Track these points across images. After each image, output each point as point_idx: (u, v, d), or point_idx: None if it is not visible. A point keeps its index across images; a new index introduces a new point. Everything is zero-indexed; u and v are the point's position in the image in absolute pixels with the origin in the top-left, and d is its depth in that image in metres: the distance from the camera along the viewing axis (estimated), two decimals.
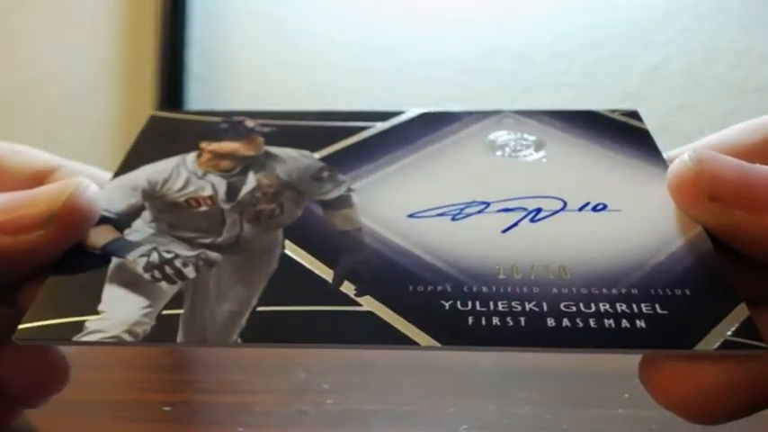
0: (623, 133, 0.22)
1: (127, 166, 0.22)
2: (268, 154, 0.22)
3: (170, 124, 0.24)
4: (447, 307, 0.16)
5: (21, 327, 0.17)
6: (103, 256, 0.19)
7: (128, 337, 0.16)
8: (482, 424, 0.26)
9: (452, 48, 0.65)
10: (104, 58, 0.70)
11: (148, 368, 0.32)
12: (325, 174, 0.21)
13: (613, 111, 0.23)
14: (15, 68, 0.70)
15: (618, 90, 0.62)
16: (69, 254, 0.19)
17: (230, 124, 0.23)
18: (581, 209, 0.19)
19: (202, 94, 0.68)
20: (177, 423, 0.27)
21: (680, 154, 0.19)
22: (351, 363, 0.32)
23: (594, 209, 0.19)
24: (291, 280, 0.18)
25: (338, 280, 0.17)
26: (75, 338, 0.17)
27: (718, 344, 0.15)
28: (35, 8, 0.70)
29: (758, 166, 0.17)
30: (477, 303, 0.16)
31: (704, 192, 0.17)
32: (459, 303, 0.16)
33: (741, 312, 0.16)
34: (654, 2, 0.63)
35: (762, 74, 0.61)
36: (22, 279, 0.19)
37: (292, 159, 0.22)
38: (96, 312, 0.17)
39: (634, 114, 0.23)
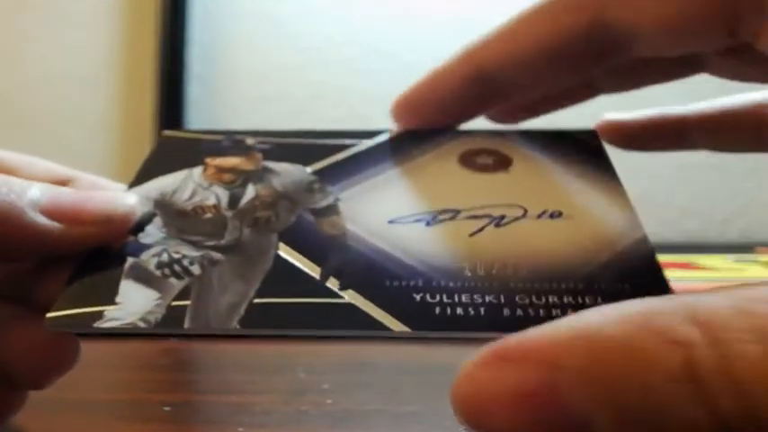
0: (581, 150, 0.25)
1: (140, 179, 0.24)
2: (266, 168, 0.25)
3: (179, 143, 0.27)
4: (418, 299, 0.19)
5: (48, 315, 0.19)
6: (120, 255, 0.21)
7: (141, 324, 0.18)
8: None
9: (452, 48, 0.65)
10: (104, 58, 0.70)
11: (148, 368, 0.32)
12: (316, 185, 0.24)
13: (576, 131, 0.27)
14: (15, 68, 0.70)
15: None
16: (93, 252, 0.21)
17: (232, 142, 0.26)
18: (539, 216, 0.22)
19: (202, 94, 0.69)
20: (177, 423, 0.27)
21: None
22: (351, 363, 0.32)
23: (551, 216, 0.22)
24: (284, 276, 0.20)
25: (325, 276, 0.20)
26: (95, 325, 0.18)
27: None
28: (35, 8, 0.70)
29: None
30: (444, 296, 0.19)
31: None
32: (428, 296, 0.19)
33: None
34: None
35: None
36: (49, 266, 0.21)
37: (287, 173, 0.24)
38: (114, 303, 0.19)
39: (592, 134, 0.26)
